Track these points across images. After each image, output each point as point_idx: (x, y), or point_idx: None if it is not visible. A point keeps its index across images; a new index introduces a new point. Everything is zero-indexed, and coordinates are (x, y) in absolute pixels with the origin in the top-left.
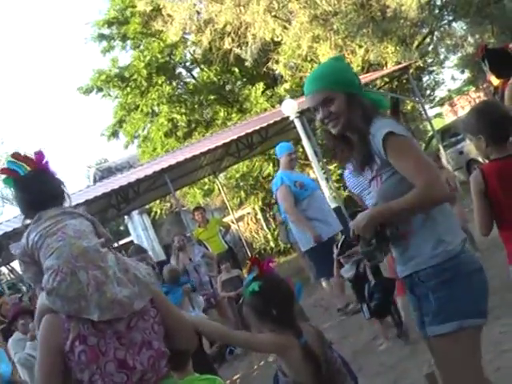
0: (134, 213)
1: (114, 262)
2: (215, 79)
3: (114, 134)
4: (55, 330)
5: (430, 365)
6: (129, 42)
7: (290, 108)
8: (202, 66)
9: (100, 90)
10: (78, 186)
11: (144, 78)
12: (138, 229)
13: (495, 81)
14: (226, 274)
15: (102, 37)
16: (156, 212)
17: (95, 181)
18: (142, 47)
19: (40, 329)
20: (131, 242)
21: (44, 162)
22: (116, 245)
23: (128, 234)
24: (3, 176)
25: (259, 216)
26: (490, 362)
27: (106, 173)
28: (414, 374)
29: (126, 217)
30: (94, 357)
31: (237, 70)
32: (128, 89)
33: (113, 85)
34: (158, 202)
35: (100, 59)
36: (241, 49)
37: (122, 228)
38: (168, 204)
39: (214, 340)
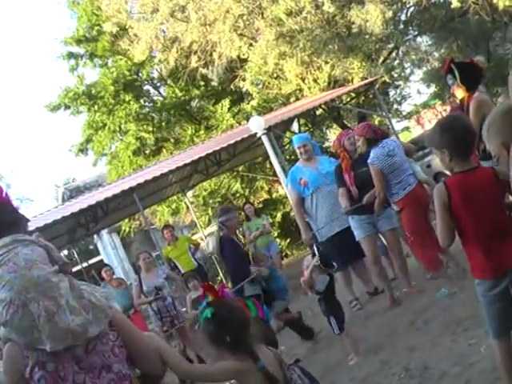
0: (104, 232)
1: (66, 290)
2: (182, 96)
3: (82, 151)
4: (15, 357)
5: (400, 378)
6: (96, 60)
7: (257, 125)
8: (169, 83)
9: (67, 107)
10: (47, 205)
11: (111, 96)
12: (108, 248)
13: (460, 94)
14: (195, 292)
15: (70, 55)
16: (125, 230)
17: (64, 200)
18: (109, 65)
19: (3, 357)
20: (101, 261)
21: (3, 195)
22: (85, 264)
23: (98, 253)
24: None
25: None
26: (458, 375)
27: (74, 192)
28: None
29: (95, 236)
30: (53, 382)
31: (203, 87)
32: (95, 106)
33: (80, 102)
34: (126, 220)
35: (68, 77)
36: (207, 67)
37: (91, 247)
38: (137, 222)
39: (176, 374)
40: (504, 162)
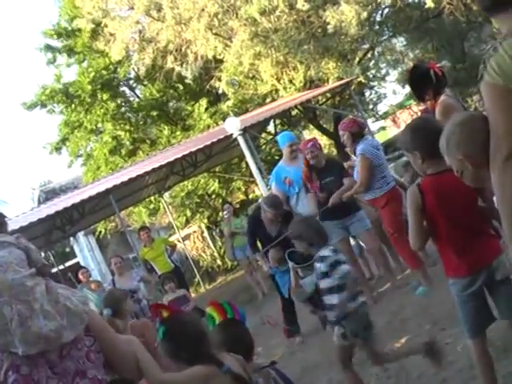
0: (80, 234)
1: (42, 294)
2: (158, 96)
3: (57, 150)
4: None
5: (378, 378)
6: (74, 57)
7: (233, 125)
8: (146, 83)
9: (44, 105)
10: (23, 208)
11: (88, 95)
12: (84, 250)
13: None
14: (172, 294)
15: (48, 48)
16: (101, 232)
17: (39, 202)
18: (86, 63)
19: None
20: (77, 263)
21: None
22: (62, 267)
23: (74, 255)
24: None
25: (205, 234)
26: (435, 374)
27: (50, 194)
28: None
29: (71, 238)
30: None
31: (180, 87)
32: (72, 105)
33: (57, 100)
34: (103, 222)
35: (45, 70)
36: (183, 67)
37: (67, 250)
38: (113, 224)
39: (148, 381)
40: (468, 177)
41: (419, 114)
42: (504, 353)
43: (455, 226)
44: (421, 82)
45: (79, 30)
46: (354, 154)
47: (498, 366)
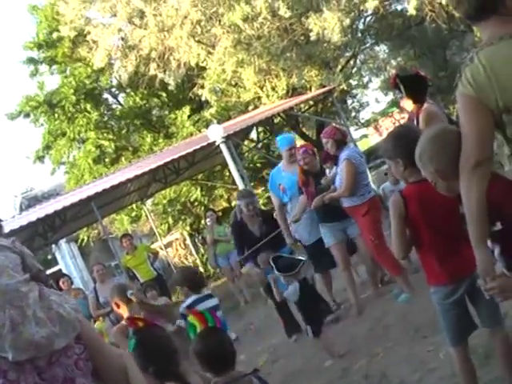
0: (62, 241)
1: (35, 300)
2: (141, 104)
3: (40, 159)
4: None
5: None
6: (55, 67)
7: (215, 133)
8: (128, 91)
9: (27, 115)
10: (4, 215)
11: (72, 104)
12: (66, 257)
13: (409, 106)
14: (153, 302)
15: (30, 60)
16: (83, 240)
17: (21, 210)
18: (68, 72)
19: None
20: (59, 270)
21: None
22: None
23: (56, 262)
24: None
25: (188, 241)
26: (418, 382)
27: (32, 201)
28: None
29: (53, 245)
30: None
31: (163, 94)
32: (55, 115)
33: (41, 111)
34: (85, 229)
35: (28, 82)
36: (165, 74)
37: (49, 257)
38: (96, 231)
39: None
40: (442, 189)
41: (401, 121)
42: (486, 360)
43: (437, 233)
44: (419, 85)
45: (59, 40)
46: (336, 164)
47: (479, 374)
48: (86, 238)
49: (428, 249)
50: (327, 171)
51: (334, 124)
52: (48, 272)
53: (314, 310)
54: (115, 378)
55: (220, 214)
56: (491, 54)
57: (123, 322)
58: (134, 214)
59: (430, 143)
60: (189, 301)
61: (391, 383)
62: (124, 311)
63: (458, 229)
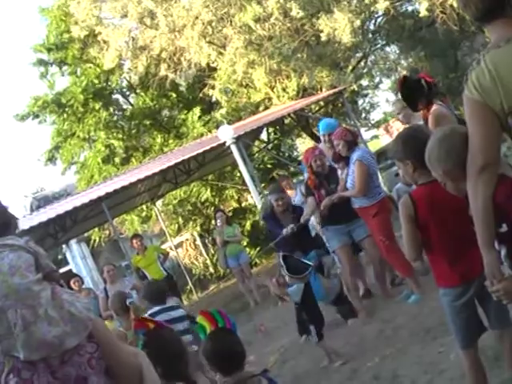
0: (72, 241)
1: (47, 300)
2: (151, 105)
3: (51, 160)
4: None
5: None
6: (66, 68)
7: (226, 133)
8: (139, 92)
9: (36, 116)
10: (15, 215)
11: (80, 104)
12: (77, 258)
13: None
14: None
15: (40, 62)
16: (94, 240)
17: (32, 210)
18: (78, 73)
19: None
20: (70, 271)
21: None
22: None
23: (67, 263)
24: None
25: (198, 242)
26: (428, 383)
27: (43, 202)
28: None
29: (64, 246)
30: None
31: (173, 95)
32: (65, 115)
33: (49, 111)
34: (96, 229)
35: (38, 84)
36: (176, 75)
37: (60, 257)
38: (106, 232)
39: None
40: (451, 189)
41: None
42: (496, 362)
43: (447, 234)
44: (413, 92)
45: (70, 41)
46: (347, 165)
47: (489, 376)
48: (96, 239)
49: (437, 250)
50: (339, 172)
51: (344, 125)
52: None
53: (315, 313)
54: (129, 376)
55: (230, 214)
56: (497, 57)
57: (121, 329)
58: (144, 214)
59: (438, 145)
60: (150, 311)
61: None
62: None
63: (468, 230)
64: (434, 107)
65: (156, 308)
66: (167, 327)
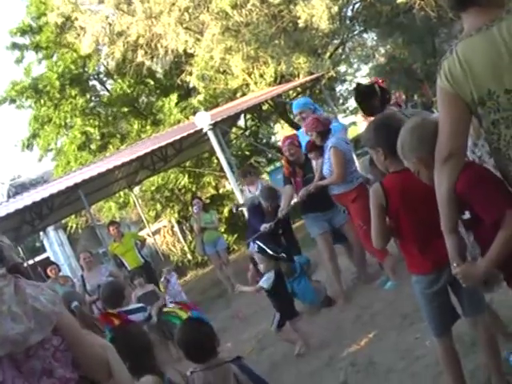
0: (50, 229)
1: (10, 296)
2: (129, 91)
3: (28, 146)
4: None
5: (347, 372)
6: (41, 52)
7: (203, 120)
8: (116, 78)
9: (13, 101)
10: None
11: (57, 90)
12: (54, 245)
13: None
14: (141, 289)
15: (15, 46)
16: (72, 227)
17: (9, 197)
18: (55, 58)
19: None
20: (47, 258)
21: None
22: (32, 262)
23: (44, 250)
24: None
25: (176, 228)
26: (404, 369)
27: (20, 189)
28: (330, 381)
29: (41, 233)
30: None
31: (151, 81)
32: (41, 101)
33: (26, 96)
34: (73, 216)
35: (15, 69)
36: (153, 61)
37: (38, 244)
38: (84, 219)
39: None
40: (424, 177)
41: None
42: (472, 347)
43: (418, 222)
44: (367, 97)
45: (45, 25)
46: (320, 154)
47: (465, 361)
48: (74, 226)
49: (408, 238)
50: (313, 162)
51: (313, 115)
52: (36, 259)
53: (284, 303)
54: (96, 367)
55: (207, 201)
56: (467, 46)
57: None
58: (121, 200)
59: (410, 133)
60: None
61: (378, 371)
62: None
63: (439, 218)
64: (387, 111)
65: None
66: (133, 322)
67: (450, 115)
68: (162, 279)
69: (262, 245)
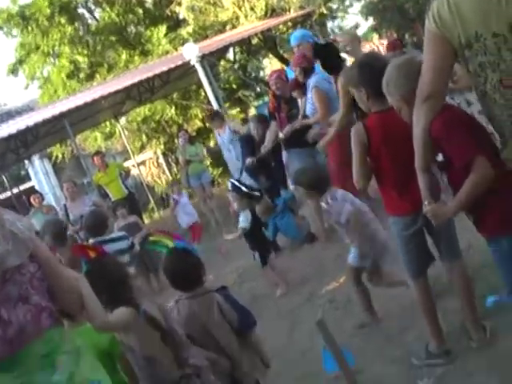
0: (35, 157)
1: None
2: (117, 20)
3: (13, 72)
4: None
5: (324, 310)
6: None
7: (191, 52)
8: (105, 7)
9: (0, 28)
10: None
11: (46, 18)
12: (39, 174)
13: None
14: (123, 220)
15: None
16: (57, 156)
17: None
18: None
19: None
20: (32, 187)
21: None
22: (17, 190)
23: (29, 179)
24: None
25: (161, 160)
26: (379, 308)
27: (5, 117)
28: (309, 319)
29: (26, 162)
30: None
31: (140, 11)
32: (29, 28)
33: (14, 23)
34: (58, 146)
35: None
36: None
37: (23, 173)
38: (69, 148)
39: (91, 323)
40: (405, 115)
41: (380, 47)
42: (449, 287)
43: (399, 163)
44: (326, 56)
45: None
46: (304, 93)
47: (442, 302)
48: (59, 155)
49: (388, 179)
50: (299, 101)
51: (300, 50)
52: (21, 188)
53: (261, 240)
54: (69, 299)
55: (194, 134)
56: None
57: None
58: (107, 131)
59: (396, 70)
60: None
61: (355, 308)
62: None
63: None
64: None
65: (99, 238)
66: (108, 254)
67: (435, 57)
68: (171, 199)
69: (236, 183)
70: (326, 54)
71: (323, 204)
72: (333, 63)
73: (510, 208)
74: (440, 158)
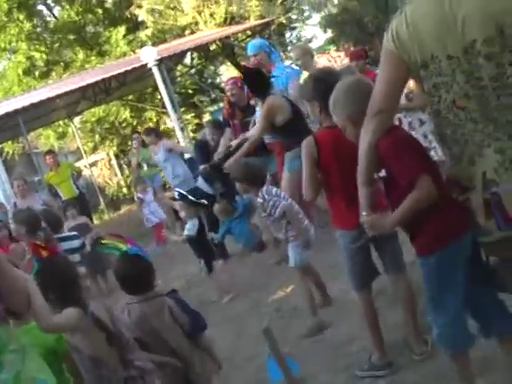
0: None
1: None
2: (76, 19)
3: None
4: None
5: (271, 318)
6: None
7: (148, 55)
8: (64, 5)
9: None
10: None
11: (4, 13)
12: None
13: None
14: (73, 220)
15: None
16: (8, 153)
17: None
18: None
19: None
20: None
21: None
22: None
23: None
24: None
25: (113, 162)
26: (326, 316)
27: None
28: (256, 326)
29: None
30: None
31: (99, 11)
32: None
33: None
34: (10, 142)
35: None
36: None
37: None
38: (21, 145)
39: (37, 323)
40: (350, 135)
41: (337, 60)
42: (394, 301)
43: (347, 178)
44: (260, 81)
45: None
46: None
47: (386, 316)
48: (10, 152)
49: (336, 192)
50: (257, 109)
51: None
52: None
53: (206, 248)
54: (17, 299)
55: None
56: (415, 9)
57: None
58: (60, 130)
59: (343, 91)
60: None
61: (301, 317)
62: None
63: None
64: (269, 98)
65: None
66: (60, 254)
67: (389, 75)
68: (136, 198)
69: (182, 191)
70: (256, 79)
71: (259, 199)
72: (261, 88)
73: (441, 228)
74: (383, 173)
